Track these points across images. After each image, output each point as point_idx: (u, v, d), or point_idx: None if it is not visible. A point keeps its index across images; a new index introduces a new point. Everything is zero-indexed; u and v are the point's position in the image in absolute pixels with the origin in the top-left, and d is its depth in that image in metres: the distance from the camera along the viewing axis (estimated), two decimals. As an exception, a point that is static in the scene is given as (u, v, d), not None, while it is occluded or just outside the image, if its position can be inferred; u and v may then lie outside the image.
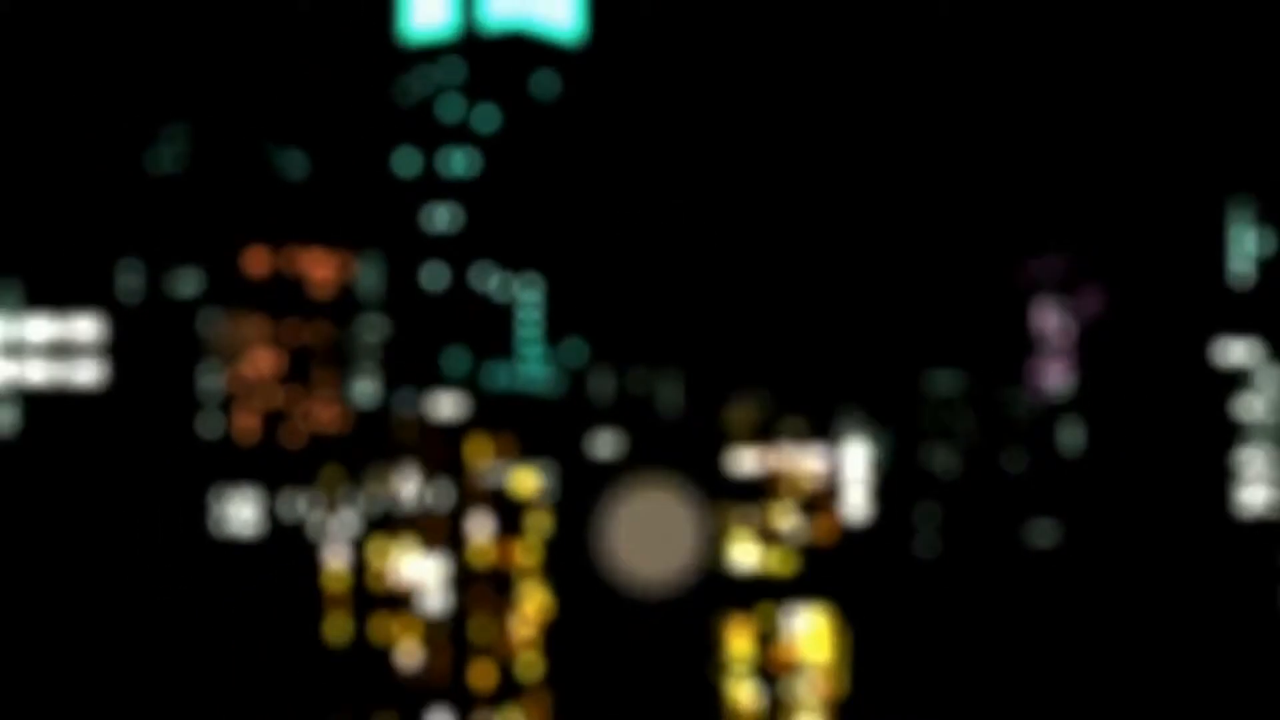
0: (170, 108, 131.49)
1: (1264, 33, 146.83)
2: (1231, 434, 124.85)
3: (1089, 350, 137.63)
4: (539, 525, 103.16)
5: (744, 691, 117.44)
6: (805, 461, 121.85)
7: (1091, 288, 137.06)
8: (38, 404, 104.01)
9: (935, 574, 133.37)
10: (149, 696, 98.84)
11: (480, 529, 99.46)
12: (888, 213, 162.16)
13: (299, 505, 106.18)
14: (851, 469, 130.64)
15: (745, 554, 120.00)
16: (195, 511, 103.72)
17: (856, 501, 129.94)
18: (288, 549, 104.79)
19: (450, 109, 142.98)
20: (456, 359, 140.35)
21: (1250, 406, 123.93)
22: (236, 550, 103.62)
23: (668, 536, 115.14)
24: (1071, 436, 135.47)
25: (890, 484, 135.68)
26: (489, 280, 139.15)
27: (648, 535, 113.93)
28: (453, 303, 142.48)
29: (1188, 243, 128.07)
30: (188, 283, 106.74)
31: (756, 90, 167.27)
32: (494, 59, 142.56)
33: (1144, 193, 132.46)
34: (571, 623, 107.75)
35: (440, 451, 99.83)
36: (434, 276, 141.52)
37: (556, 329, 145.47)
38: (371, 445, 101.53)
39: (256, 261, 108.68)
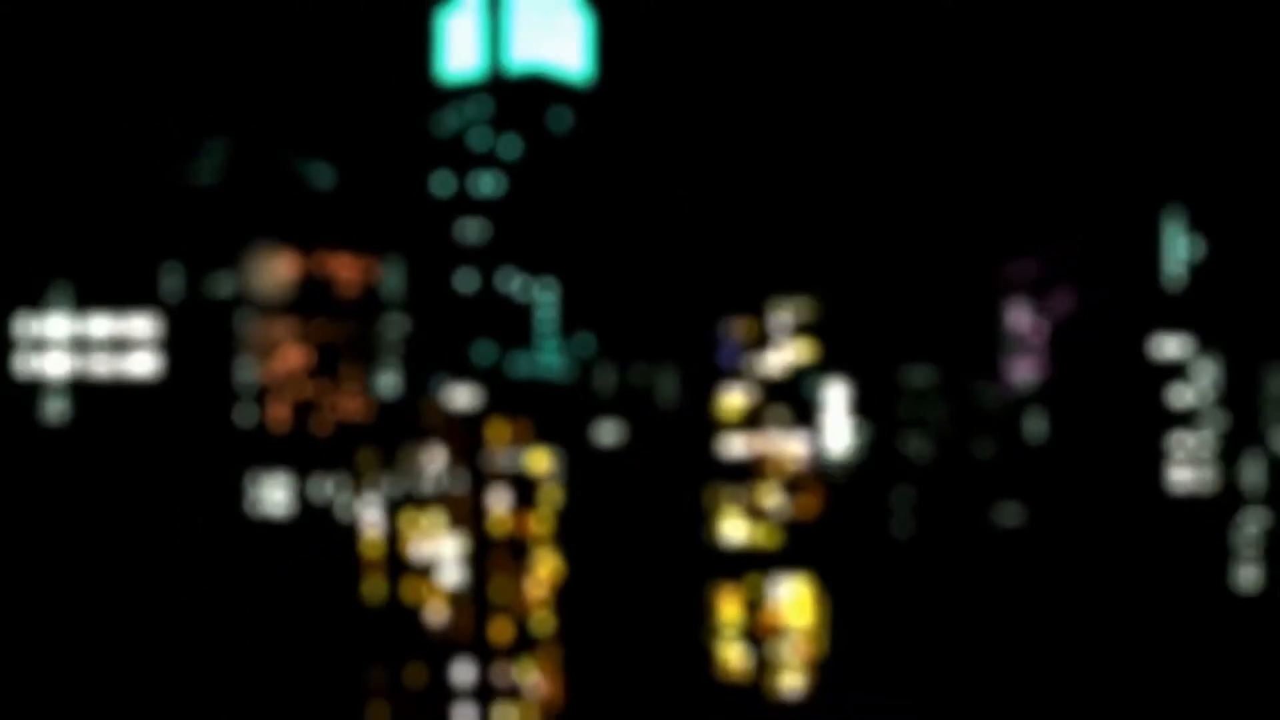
0: (213, 126, 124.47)
1: (1196, 58, 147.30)
2: (1166, 420, 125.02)
3: (1059, 348, 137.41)
4: (551, 498, 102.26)
5: (733, 652, 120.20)
6: (789, 446, 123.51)
7: (1064, 289, 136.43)
8: (89, 395, 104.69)
9: (909, 550, 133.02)
10: (191, 658, 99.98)
11: (499, 502, 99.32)
12: (873, 221, 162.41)
13: (327, 488, 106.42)
14: (834, 403, 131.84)
15: (734, 529, 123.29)
16: (232, 493, 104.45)
17: (838, 428, 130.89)
18: (316, 528, 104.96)
19: (480, 139, 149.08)
20: (485, 349, 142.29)
21: (1182, 395, 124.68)
22: (269, 529, 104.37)
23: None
24: (1036, 426, 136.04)
25: (868, 468, 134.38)
26: (512, 283, 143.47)
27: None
28: (481, 302, 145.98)
29: (1127, 248, 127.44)
30: (225, 284, 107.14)
31: (739, 110, 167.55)
32: (517, 97, 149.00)
33: (1092, 202, 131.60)
34: (580, 585, 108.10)
35: (463, 435, 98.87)
36: (466, 280, 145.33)
37: (570, 325, 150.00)
38: (394, 432, 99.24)
39: (288, 265, 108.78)
